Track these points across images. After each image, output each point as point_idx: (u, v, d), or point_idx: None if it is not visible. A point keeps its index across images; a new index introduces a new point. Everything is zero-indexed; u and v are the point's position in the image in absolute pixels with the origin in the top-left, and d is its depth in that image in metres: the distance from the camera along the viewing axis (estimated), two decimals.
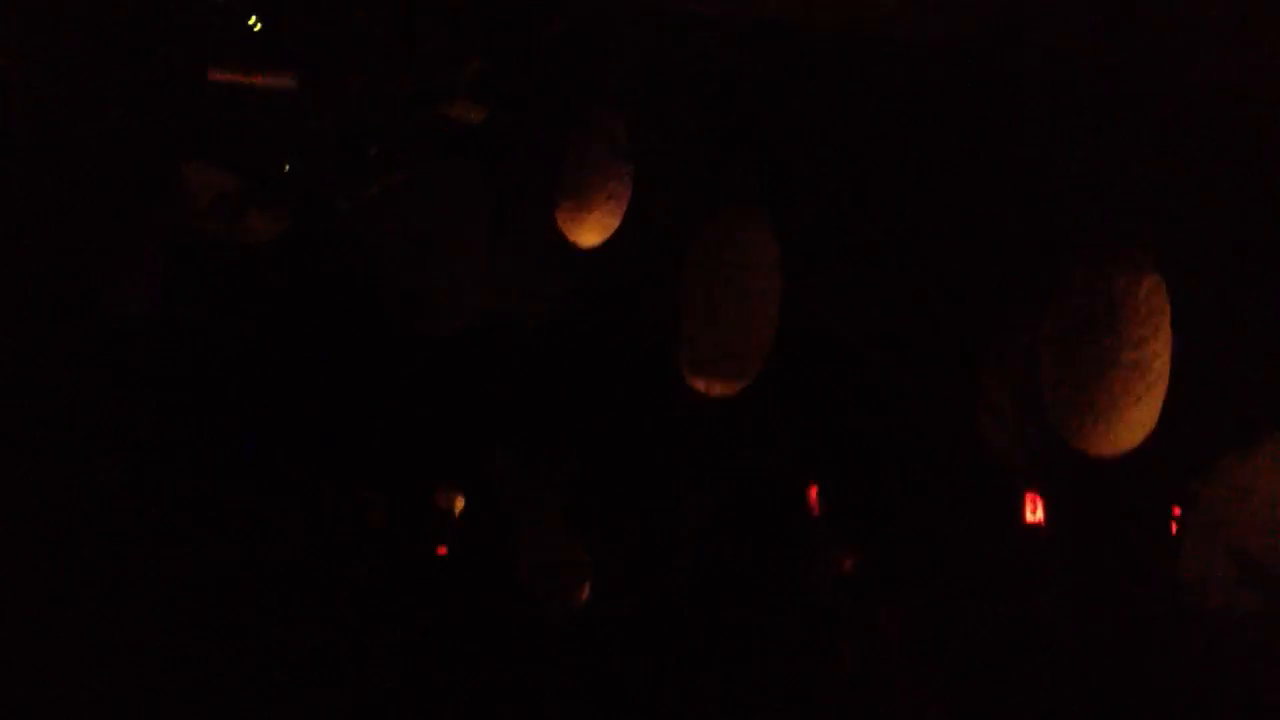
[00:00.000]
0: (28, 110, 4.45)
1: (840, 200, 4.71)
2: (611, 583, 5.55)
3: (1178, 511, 3.95)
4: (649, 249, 4.73)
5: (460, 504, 6.31)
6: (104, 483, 5.59)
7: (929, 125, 4.46)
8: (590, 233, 4.48)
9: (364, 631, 5.72)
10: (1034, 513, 5.40)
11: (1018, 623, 5.44)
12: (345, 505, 6.16)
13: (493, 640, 5.53)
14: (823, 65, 4.37)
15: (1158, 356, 3.54)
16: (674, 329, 4.33)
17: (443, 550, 6.11)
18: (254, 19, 4.50)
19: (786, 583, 5.63)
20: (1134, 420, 3.61)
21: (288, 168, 4.95)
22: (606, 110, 4.37)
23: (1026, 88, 3.95)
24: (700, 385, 4.23)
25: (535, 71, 4.58)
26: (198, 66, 4.52)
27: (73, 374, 5.47)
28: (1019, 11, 3.71)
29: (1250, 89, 3.89)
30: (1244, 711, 4.23)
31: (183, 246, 5.33)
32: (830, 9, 3.89)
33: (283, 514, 6.10)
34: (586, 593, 5.45)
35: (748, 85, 4.42)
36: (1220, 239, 4.08)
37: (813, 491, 5.82)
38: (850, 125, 4.65)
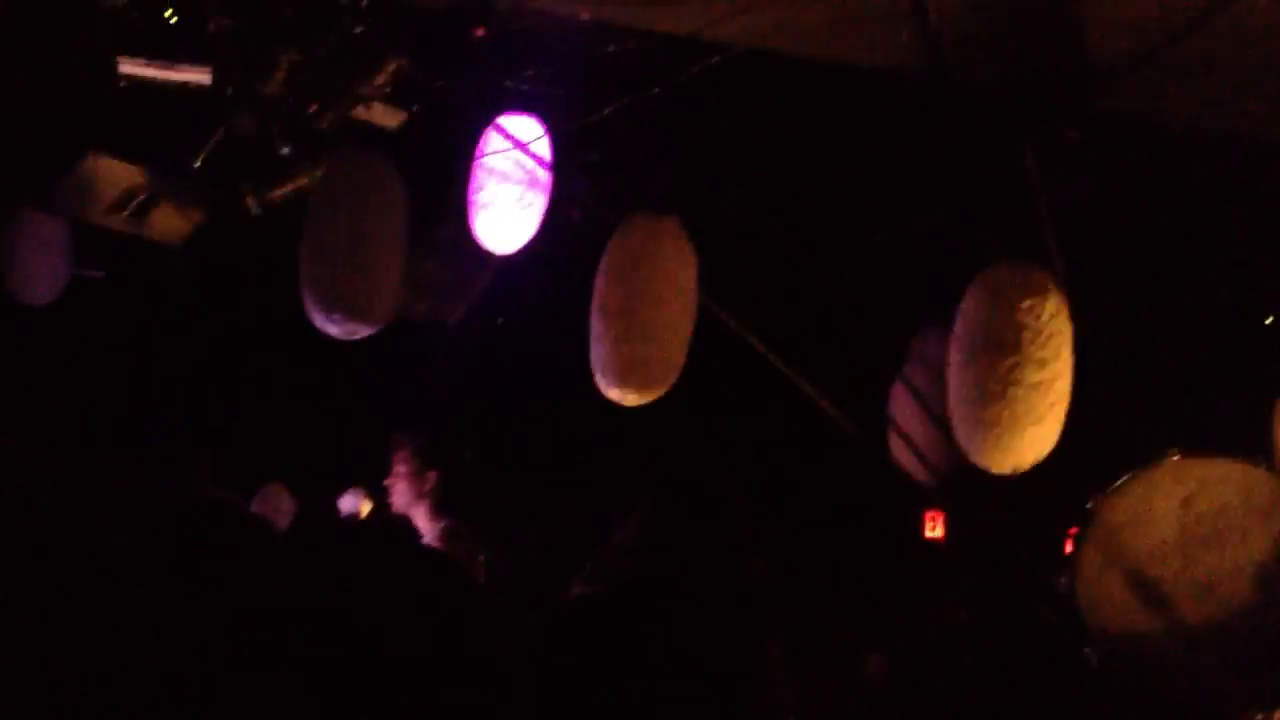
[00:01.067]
0: None
1: (757, 211, 4.70)
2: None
3: (1074, 531, 3.98)
4: (565, 255, 4.68)
5: (368, 508, 6.21)
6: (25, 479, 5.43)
7: (845, 142, 4.48)
8: (505, 239, 4.42)
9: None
10: (934, 530, 5.45)
11: (919, 639, 5.47)
12: (251, 508, 6.03)
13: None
14: (743, 75, 4.36)
15: (1059, 377, 3.58)
16: (588, 337, 4.28)
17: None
18: (169, 10, 4.38)
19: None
20: (1035, 439, 3.66)
21: (198, 164, 4.82)
22: (522, 116, 4.32)
23: (939, 109, 3.97)
24: (614, 395, 4.18)
25: (454, 76, 4.52)
26: (108, 57, 4.39)
27: None
28: (937, 36, 3.72)
29: (1156, 115, 3.95)
30: None
31: (90, 239, 5.18)
32: (759, 25, 3.87)
33: (195, 518, 5.96)
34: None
35: (667, 91, 4.40)
36: (1123, 261, 4.13)
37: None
38: (769, 138, 4.65)
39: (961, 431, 3.81)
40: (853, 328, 4.65)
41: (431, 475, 4.88)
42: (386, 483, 5.02)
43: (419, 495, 4.92)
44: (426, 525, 4.86)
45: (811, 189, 4.58)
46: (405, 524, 4.97)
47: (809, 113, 4.32)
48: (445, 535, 4.82)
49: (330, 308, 4.25)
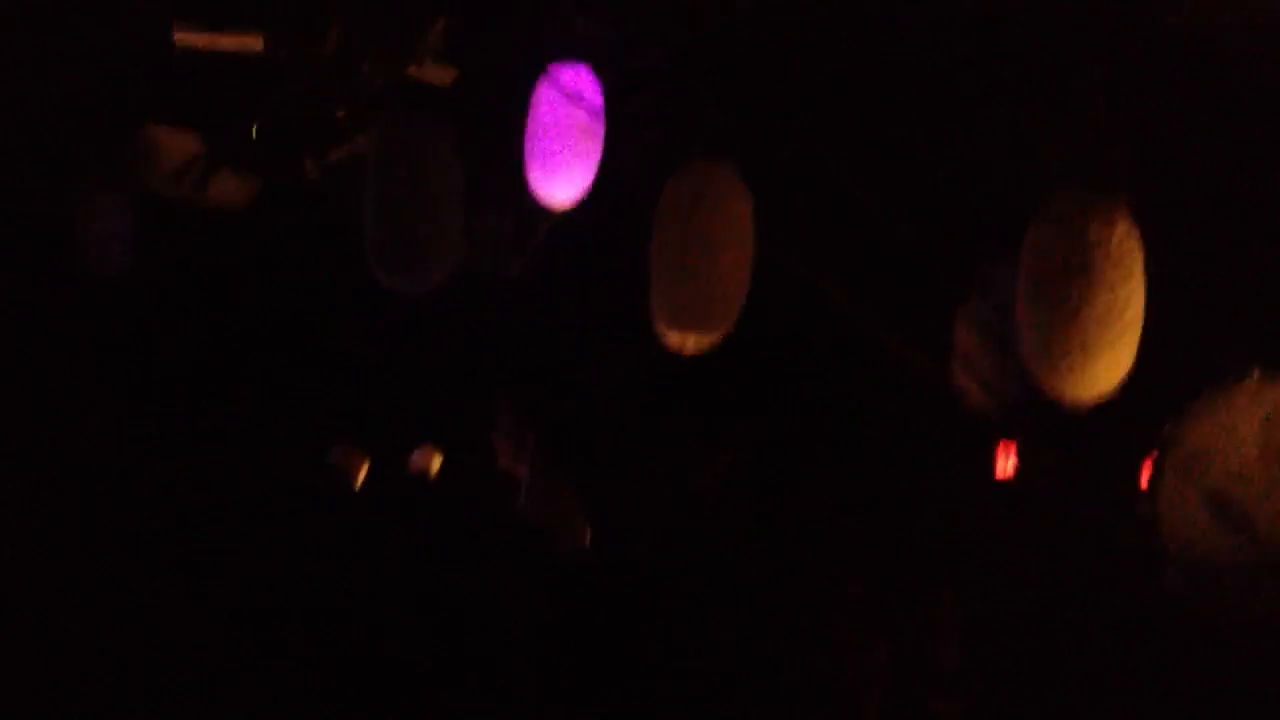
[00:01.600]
0: None
1: (814, 151, 4.63)
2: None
3: (1154, 456, 3.90)
4: (623, 204, 4.64)
5: (437, 463, 6.25)
6: (81, 444, 5.52)
7: (904, 75, 4.38)
8: (561, 191, 4.39)
9: (351, 595, 5.66)
10: (1007, 462, 5.37)
11: (998, 581, 5.42)
12: (324, 466, 6.09)
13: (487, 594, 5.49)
14: (796, 15, 4.28)
15: (1132, 300, 3.49)
16: (648, 284, 4.26)
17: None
18: None
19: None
20: (1108, 365, 3.57)
21: (255, 131, 4.84)
22: (575, 67, 4.27)
23: (1000, 35, 3.88)
24: (674, 339, 4.15)
25: (503, 29, 4.48)
26: (162, 27, 4.40)
27: (44, 334, 5.39)
28: None
29: (1225, 35, 3.83)
30: (1221, 662, 4.22)
31: (153, 209, 5.23)
32: None
33: (261, 475, 6.03)
34: (588, 536, 5.40)
35: (721, 35, 4.33)
36: (1195, 183, 4.02)
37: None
38: (825, 75, 4.57)
39: (1033, 360, 3.73)
40: (917, 259, 4.58)
41: (530, 435, 4.92)
42: (495, 441, 5.06)
43: (519, 454, 4.95)
44: (528, 483, 4.90)
45: (869, 121, 4.50)
46: (504, 483, 5.02)
47: (862, 43, 4.23)
48: (545, 495, 4.86)
49: (392, 264, 4.28)
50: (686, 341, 4.11)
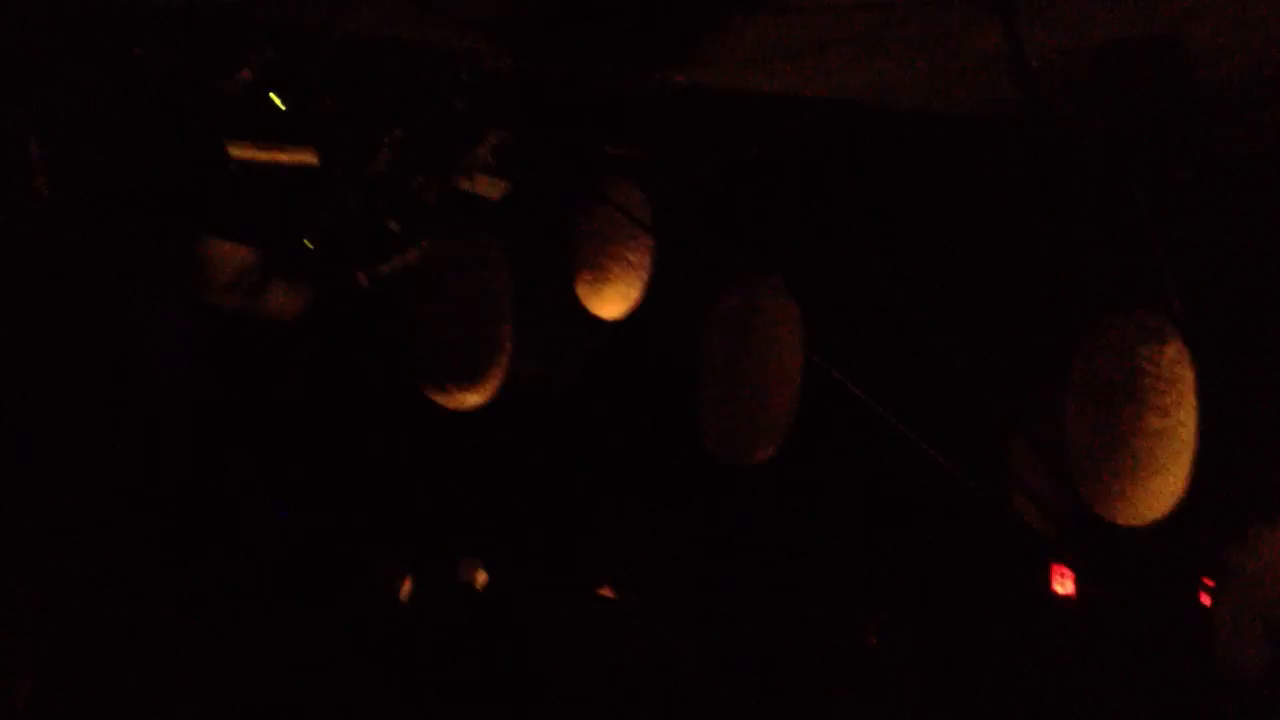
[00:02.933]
0: (52, 181, 4.51)
1: (864, 271, 4.70)
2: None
3: (1210, 583, 3.87)
4: (672, 319, 4.72)
5: (483, 578, 6.28)
6: (133, 548, 5.61)
7: (950, 196, 4.46)
8: (610, 304, 4.47)
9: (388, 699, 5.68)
10: (1062, 585, 5.33)
11: (1050, 696, 5.35)
12: (372, 577, 6.14)
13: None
14: (844, 133, 4.38)
15: (1183, 425, 3.49)
16: (695, 400, 4.31)
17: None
18: (276, 95, 4.54)
19: None
20: (1160, 489, 3.56)
21: (309, 243, 4.98)
22: (624, 180, 4.38)
23: (1049, 158, 3.94)
24: (723, 457, 4.19)
25: (553, 143, 4.60)
26: (219, 142, 4.56)
27: (102, 435, 5.50)
28: (1043, 85, 3.71)
29: (1267, 152, 3.88)
30: None
31: (210, 319, 5.37)
32: (851, 81, 3.90)
33: (310, 584, 6.09)
34: None
35: (768, 153, 4.43)
36: (1245, 306, 4.04)
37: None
38: (873, 194, 4.65)
39: (1084, 483, 3.73)
40: (969, 381, 4.60)
41: None
42: None
43: None
44: None
45: (917, 242, 4.56)
46: None
47: (910, 165, 4.31)
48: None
49: (440, 376, 4.34)
50: (737, 458, 4.14)
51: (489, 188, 4.76)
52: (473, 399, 4.39)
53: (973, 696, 5.74)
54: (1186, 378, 3.49)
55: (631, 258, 4.41)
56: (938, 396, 4.76)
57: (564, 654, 5.57)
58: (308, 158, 4.63)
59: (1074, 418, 3.67)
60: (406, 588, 6.23)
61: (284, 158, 4.64)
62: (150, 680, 5.46)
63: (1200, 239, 3.90)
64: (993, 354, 4.67)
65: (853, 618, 5.79)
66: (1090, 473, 3.65)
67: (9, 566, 5.29)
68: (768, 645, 5.98)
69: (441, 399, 4.34)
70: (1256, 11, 3.22)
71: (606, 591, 5.97)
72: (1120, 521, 3.67)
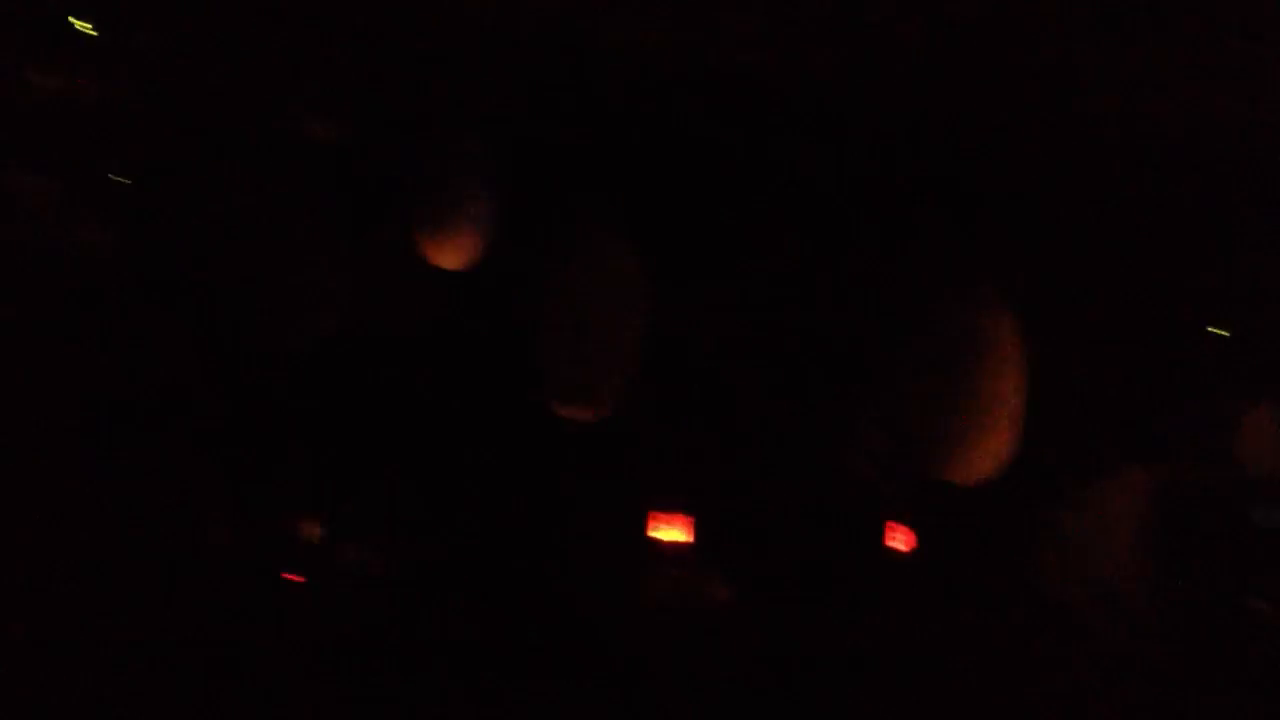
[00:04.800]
0: None
1: (710, 227, 4.80)
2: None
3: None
4: (513, 271, 4.77)
5: (316, 531, 6.24)
6: None
7: (798, 157, 4.58)
8: (452, 256, 4.50)
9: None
10: (897, 542, 5.58)
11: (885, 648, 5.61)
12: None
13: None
14: (684, 89, 4.46)
15: (1012, 389, 3.72)
16: (536, 353, 4.38)
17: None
18: (83, 22, 4.41)
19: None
20: (990, 449, 3.79)
21: (119, 178, 4.86)
22: (469, 133, 4.40)
23: (887, 123, 4.09)
24: (563, 413, 4.28)
25: (397, 92, 4.59)
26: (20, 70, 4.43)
27: None
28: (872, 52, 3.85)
29: (1109, 127, 4.09)
30: None
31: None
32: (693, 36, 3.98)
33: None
34: None
35: (610, 107, 4.49)
36: (1074, 274, 4.27)
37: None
38: (718, 150, 4.74)
39: (920, 445, 3.94)
40: (812, 344, 4.77)
41: None
42: None
43: None
44: None
45: (765, 199, 4.69)
46: None
47: (754, 122, 4.42)
48: None
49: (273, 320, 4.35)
50: (575, 414, 4.24)
51: (320, 130, 4.73)
52: (305, 340, 4.40)
53: (811, 650, 5.97)
54: (1016, 343, 3.72)
55: (472, 210, 4.44)
56: (782, 358, 4.92)
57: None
58: (116, 88, 4.52)
59: (910, 382, 3.87)
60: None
61: (91, 88, 4.52)
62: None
63: (1030, 212, 4.11)
64: (835, 318, 4.84)
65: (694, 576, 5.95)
66: (926, 435, 3.87)
67: None
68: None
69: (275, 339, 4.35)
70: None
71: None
72: (954, 481, 3.90)
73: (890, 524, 5.50)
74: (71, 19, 4.42)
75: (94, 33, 4.51)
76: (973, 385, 3.70)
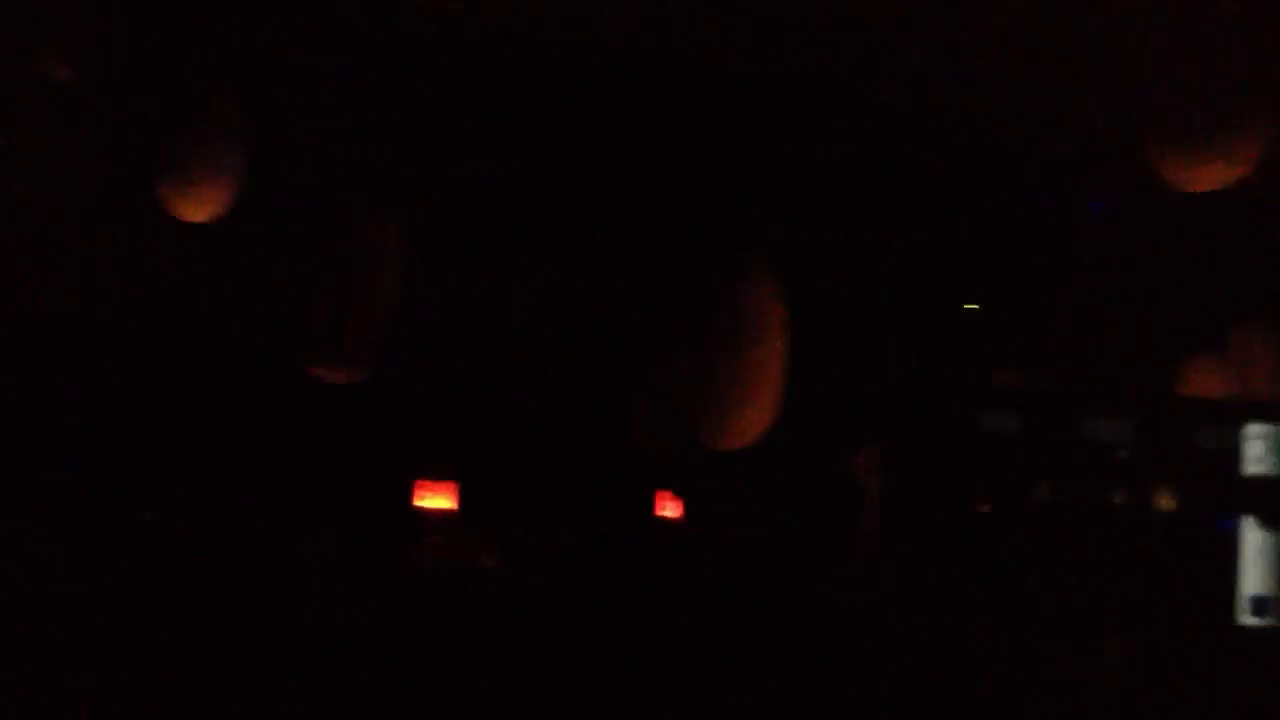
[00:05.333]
0: None
1: (483, 198, 4.78)
2: None
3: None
4: (270, 232, 4.66)
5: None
6: None
7: (579, 131, 4.60)
8: (198, 208, 4.34)
9: None
10: (668, 509, 5.69)
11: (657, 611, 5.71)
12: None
13: None
14: (447, 54, 4.42)
15: (775, 358, 3.83)
16: (293, 315, 4.29)
17: None
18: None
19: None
20: (754, 416, 3.90)
21: None
22: (221, 88, 4.27)
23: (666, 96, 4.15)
24: (320, 373, 4.22)
25: (149, 43, 4.44)
26: None
27: None
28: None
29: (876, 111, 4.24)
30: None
31: None
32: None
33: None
34: None
35: (378, 72, 4.43)
36: (838, 247, 4.41)
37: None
38: (491, 120, 4.72)
39: (688, 413, 4.03)
40: (589, 312, 4.81)
41: None
42: None
43: None
44: None
45: (537, 178, 4.70)
46: None
47: (533, 93, 4.42)
48: None
49: None
50: (332, 376, 4.19)
51: (56, 70, 4.52)
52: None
53: (586, 613, 6.05)
54: (779, 314, 3.83)
55: (221, 163, 4.30)
56: (552, 329, 4.95)
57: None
58: None
59: (678, 352, 3.96)
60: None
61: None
62: None
63: (796, 186, 4.23)
64: (605, 290, 4.89)
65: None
66: (693, 403, 3.96)
67: None
68: None
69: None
70: None
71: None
72: (719, 446, 4.00)
73: (660, 492, 5.61)
74: None
75: None
76: (737, 354, 3.79)
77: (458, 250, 4.69)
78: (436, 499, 5.86)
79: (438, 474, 5.82)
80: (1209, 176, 3.19)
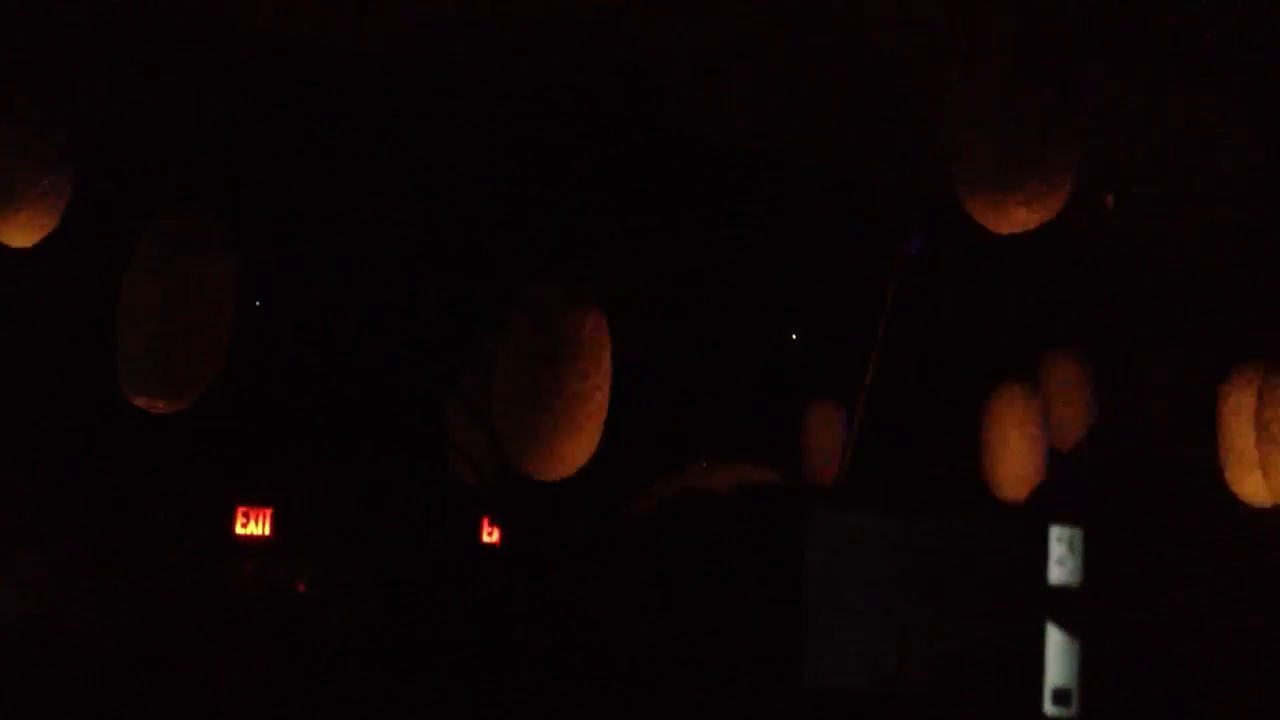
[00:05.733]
0: None
1: (304, 215, 4.73)
2: None
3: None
4: (92, 252, 4.52)
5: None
6: None
7: (399, 144, 4.58)
8: (22, 234, 4.21)
9: None
10: (490, 535, 5.69)
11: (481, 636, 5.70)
12: None
13: None
14: (281, 66, 4.37)
15: (599, 388, 3.84)
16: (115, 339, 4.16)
17: None
18: None
19: None
20: (577, 447, 3.90)
21: None
22: (42, 100, 4.14)
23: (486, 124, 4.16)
24: (140, 403, 4.08)
25: None
26: None
27: None
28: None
29: (708, 133, 4.30)
30: None
31: None
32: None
33: None
34: None
35: (207, 86, 4.35)
36: (661, 276, 4.47)
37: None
38: (319, 134, 4.68)
39: (508, 439, 4.01)
40: (406, 336, 4.78)
41: None
42: None
43: None
44: None
45: (366, 199, 4.66)
46: None
47: (370, 111, 4.39)
48: None
49: None
50: (153, 406, 4.06)
51: None
52: None
53: (411, 639, 6.00)
54: (604, 344, 3.84)
55: (47, 184, 4.17)
56: (373, 350, 4.90)
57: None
58: None
59: (501, 379, 3.94)
60: None
61: None
62: None
63: (628, 211, 4.27)
64: (431, 310, 4.87)
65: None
66: (514, 429, 3.94)
67: None
68: None
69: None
70: None
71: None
72: (539, 477, 3.99)
73: (486, 519, 5.61)
74: None
75: None
76: (559, 382, 3.79)
77: (280, 278, 4.61)
78: (253, 524, 5.77)
79: (255, 499, 5.73)
80: (1014, 219, 3.31)
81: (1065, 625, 7.64)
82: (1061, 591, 7.72)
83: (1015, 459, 4.92)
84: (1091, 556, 7.74)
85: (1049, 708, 7.57)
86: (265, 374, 4.99)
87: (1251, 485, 4.55)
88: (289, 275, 4.87)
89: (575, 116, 4.12)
